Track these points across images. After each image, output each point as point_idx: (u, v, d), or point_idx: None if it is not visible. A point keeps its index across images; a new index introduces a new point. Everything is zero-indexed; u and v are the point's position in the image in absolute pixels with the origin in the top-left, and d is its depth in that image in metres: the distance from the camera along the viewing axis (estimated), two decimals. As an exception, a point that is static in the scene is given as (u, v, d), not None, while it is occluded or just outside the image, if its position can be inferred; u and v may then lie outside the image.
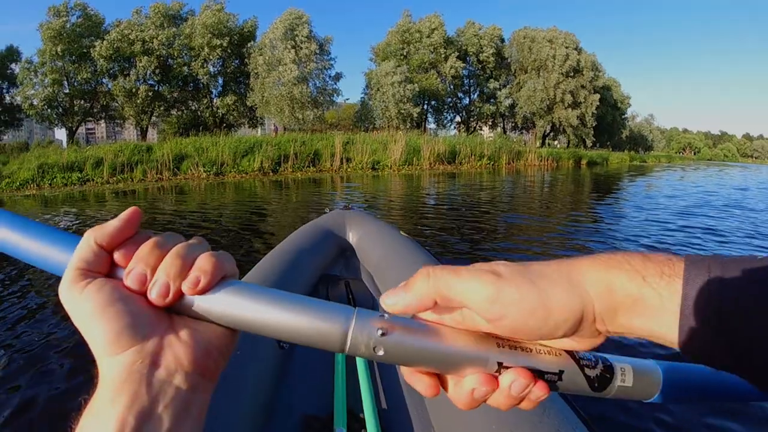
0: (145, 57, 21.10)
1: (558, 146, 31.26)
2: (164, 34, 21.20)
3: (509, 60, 29.73)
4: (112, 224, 0.29)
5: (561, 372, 0.29)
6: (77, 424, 0.24)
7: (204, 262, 0.28)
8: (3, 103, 23.75)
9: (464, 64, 28.01)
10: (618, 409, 1.74)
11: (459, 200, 8.46)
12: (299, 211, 7.27)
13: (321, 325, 0.28)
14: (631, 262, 0.26)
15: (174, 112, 24.48)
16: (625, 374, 0.30)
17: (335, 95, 23.46)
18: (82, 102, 23.32)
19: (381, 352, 0.28)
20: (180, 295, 0.28)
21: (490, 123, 31.48)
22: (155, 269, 0.28)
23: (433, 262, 1.68)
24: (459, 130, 30.31)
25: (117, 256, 0.28)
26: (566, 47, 28.01)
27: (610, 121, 33.57)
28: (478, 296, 0.26)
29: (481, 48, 28.22)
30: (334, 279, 1.83)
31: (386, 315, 0.29)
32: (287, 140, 16.62)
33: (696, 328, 0.23)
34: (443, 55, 27.01)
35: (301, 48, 21.04)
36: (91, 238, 0.28)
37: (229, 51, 22.48)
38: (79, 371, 1.88)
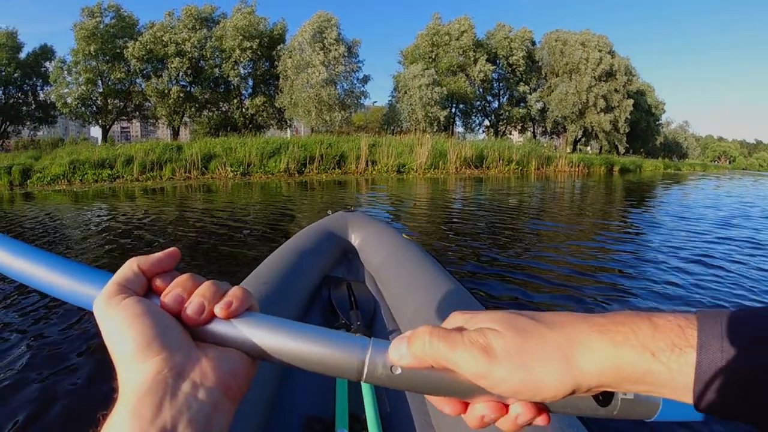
0: (177, 58, 21.53)
1: (590, 152, 30.40)
2: (196, 37, 21.60)
3: (540, 63, 29.13)
4: (155, 255, 0.32)
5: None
6: None
7: (236, 290, 0.31)
8: (37, 101, 24.66)
9: (494, 67, 27.58)
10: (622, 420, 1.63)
11: (485, 205, 8.21)
12: (322, 213, 7.14)
13: (340, 356, 0.29)
14: (638, 335, 0.25)
15: (205, 112, 24.88)
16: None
17: (363, 98, 23.44)
18: (116, 101, 23.98)
19: (396, 382, 0.29)
20: (212, 316, 0.30)
21: (519, 127, 30.90)
22: (191, 294, 0.30)
23: (435, 266, 1.66)
24: (487, 135, 29.83)
25: (155, 282, 0.31)
26: (599, 50, 27.26)
27: (644, 127, 32.51)
28: (469, 371, 0.27)
29: (512, 51, 27.75)
30: (337, 281, 1.82)
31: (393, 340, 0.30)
32: (313, 142, 16.64)
33: (712, 397, 0.23)
34: (472, 58, 26.66)
35: (330, 50, 21.10)
36: (135, 262, 0.31)
37: (259, 53, 22.75)
38: (98, 389, 1.83)
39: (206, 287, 0.31)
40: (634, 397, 0.29)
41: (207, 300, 0.30)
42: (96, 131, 25.11)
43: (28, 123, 25.04)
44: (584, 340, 0.26)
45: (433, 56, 26.99)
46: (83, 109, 22.42)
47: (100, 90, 22.93)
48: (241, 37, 21.67)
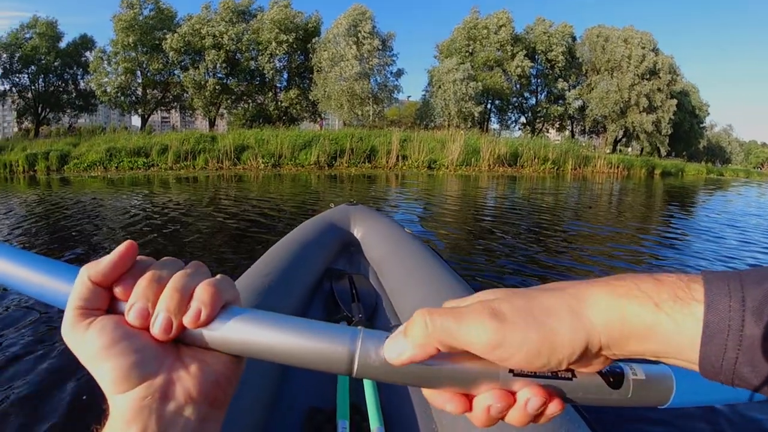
0: (214, 51, 21.86)
1: (630, 153, 29.15)
2: (234, 30, 21.84)
3: (580, 59, 28.06)
4: (106, 260, 0.28)
5: (573, 370, 0.28)
6: None
7: (203, 293, 0.28)
8: (78, 89, 25.48)
9: (532, 63, 26.75)
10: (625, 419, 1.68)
11: (518, 206, 7.88)
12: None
13: (327, 348, 0.27)
14: (641, 287, 0.25)
15: (241, 104, 25.21)
16: (635, 370, 0.29)
17: (396, 92, 23.24)
18: (155, 91, 24.57)
19: (392, 375, 0.28)
20: (183, 329, 0.28)
21: (557, 125, 29.93)
22: (155, 303, 0.27)
23: (437, 261, 1.67)
24: (524, 132, 29.02)
25: (117, 290, 0.28)
26: (642, 47, 26.05)
27: (687, 129, 30.87)
28: (481, 342, 0.25)
29: (551, 46, 26.81)
30: (339, 273, 1.81)
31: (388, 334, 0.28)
32: (344, 135, 16.55)
33: (718, 353, 0.23)
34: (510, 53, 25.96)
35: (364, 44, 20.93)
36: (86, 275, 0.28)
37: (295, 46, 22.86)
38: (87, 404, 1.76)
39: (170, 293, 0.27)
40: (645, 377, 0.29)
41: (173, 312, 0.27)
42: (137, 120, 25.84)
43: (68, 111, 25.92)
44: (589, 295, 0.26)
45: (470, 50, 26.42)
46: (122, 98, 23.05)
47: (139, 80, 23.54)
48: (277, 30, 21.82)
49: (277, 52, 22.41)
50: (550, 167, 17.82)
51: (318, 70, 22.21)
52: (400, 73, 23.13)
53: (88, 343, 0.26)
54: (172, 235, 4.66)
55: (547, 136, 27.05)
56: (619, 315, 0.25)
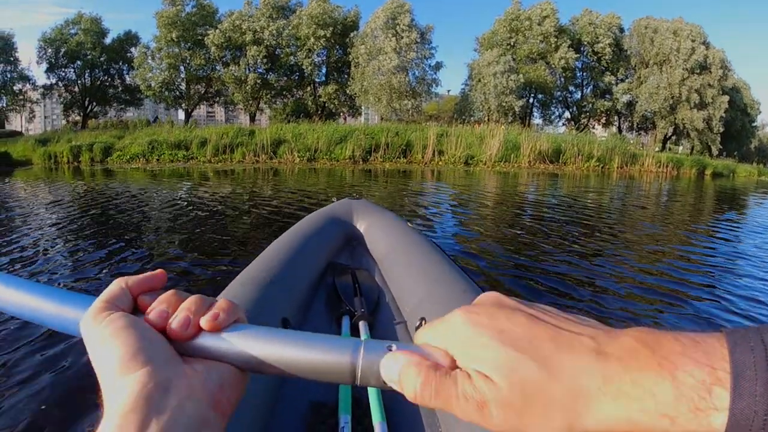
0: (255, 46, 22.10)
1: (680, 152, 27.54)
2: (274, 26, 22.01)
3: (628, 52, 26.64)
4: (143, 275, 0.32)
5: None
6: None
7: (222, 303, 0.31)
8: (124, 84, 26.38)
9: (577, 55, 25.60)
10: None
11: (558, 205, 7.41)
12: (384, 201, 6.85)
13: (330, 360, 0.28)
14: (657, 398, 0.21)
15: (280, 99, 25.45)
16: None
17: (434, 85, 22.80)
18: (198, 86, 25.12)
19: (389, 387, 0.28)
20: (198, 330, 0.29)
21: (603, 121, 28.60)
22: (176, 309, 0.30)
23: (440, 255, 1.67)
24: (568, 128, 27.87)
25: (141, 300, 0.31)
26: (692, 40, 24.42)
27: (738, 127, 28.69)
28: (462, 418, 0.25)
29: (597, 38, 25.56)
30: (341, 268, 1.81)
31: (393, 346, 0.28)
32: (380, 130, 16.35)
33: None
34: (554, 45, 24.95)
35: (402, 37, 20.62)
36: (123, 281, 0.31)
37: (333, 41, 22.80)
38: (84, 406, 1.72)
39: (191, 301, 0.30)
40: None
41: (192, 313, 0.29)
42: (183, 114, 26.62)
43: (114, 104, 26.90)
44: (591, 396, 0.23)
45: (512, 43, 25.58)
46: (166, 93, 23.70)
47: (183, 75, 24.13)
48: (315, 26, 21.80)
49: (315, 47, 22.42)
50: (595, 165, 16.96)
51: (356, 65, 22.07)
52: (438, 66, 22.66)
53: (104, 327, 0.28)
54: (211, 224, 4.84)
55: (593, 132, 25.87)
56: (624, 426, 0.22)
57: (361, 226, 2.15)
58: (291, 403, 1.07)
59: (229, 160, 14.68)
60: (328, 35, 22.05)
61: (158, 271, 0.32)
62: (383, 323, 1.48)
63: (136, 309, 0.31)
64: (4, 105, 24.77)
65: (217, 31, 21.85)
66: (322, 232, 1.96)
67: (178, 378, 0.26)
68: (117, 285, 0.31)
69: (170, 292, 0.31)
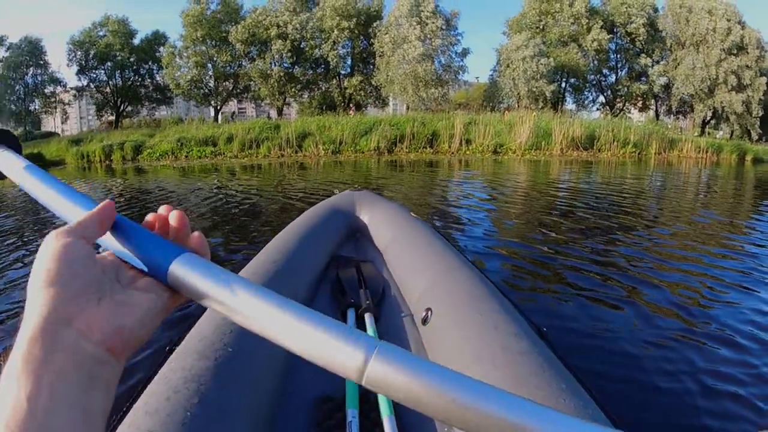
0: (279, 41, 22.07)
1: (719, 137, 26.08)
2: (297, 20, 21.92)
3: (663, 33, 25.32)
4: (88, 215, 0.33)
5: None
6: None
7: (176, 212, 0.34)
8: (154, 83, 26.85)
9: (610, 36, 24.46)
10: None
11: (591, 196, 6.98)
12: (412, 194, 6.66)
13: (339, 347, 0.27)
14: None
15: (307, 93, 25.40)
16: None
17: (461, 72, 22.26)
18: (226, 83, 25.31)
19: (395, 398, 0.27)
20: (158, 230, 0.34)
21: (639, 105, 27.33)
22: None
23: (444, 245, 1.65)
24: (603, 113, 26.76)
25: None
26: (728, 20, 23.03)
27: None
28: None
29: (630, 18, 24.33)
30: (345, 260, 1.81)
31: (412, 356, 0.27)
32: (405, 120, 16.07)
33: None
34: (585, 27, 23.93)
35: (427, 24, 20.16)
36: (102, 207, 0.33)
37: (357, 32, 22.54)
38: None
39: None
40: None
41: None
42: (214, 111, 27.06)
43: (146, 103, 27.44)
44: None
45: (541, 26, 24.69)
46: (195, 91, 23.98)
47: (210, 73, 24.34)
48: (339, 17, 21.58)
49: (340, 39, 22.22)
50: (631, 151, 16.17)
51: (380, 55, 21.74)
52: (465, 53, 22.07)
53: (53, 244, 0.29)
54: (236, 215, 5.05)
55: (629, 117, 24.78)
56: None
57: (364, 217, 2.13)
58: (298, 397, 1.06)
59: (255, 155, 14.72)
60: (352, 26, 21.79)
61: (104, 203, 0.33)
62: (389, 315, 1.44)
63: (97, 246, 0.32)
64: (37, 108, 25.55)
65: (240, 26, 21.91)
66: (325, 225, 1.94)
67: (80, 316, 0.27)
68: (97, 211, 0.32)
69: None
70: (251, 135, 15.20)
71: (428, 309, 1.25)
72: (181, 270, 0.30)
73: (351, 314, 1.38)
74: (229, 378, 0.88)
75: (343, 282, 1.56)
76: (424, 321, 1.25)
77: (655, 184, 8.80)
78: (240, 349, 0.96)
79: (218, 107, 25.66)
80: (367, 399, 1.02)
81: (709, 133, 26.67)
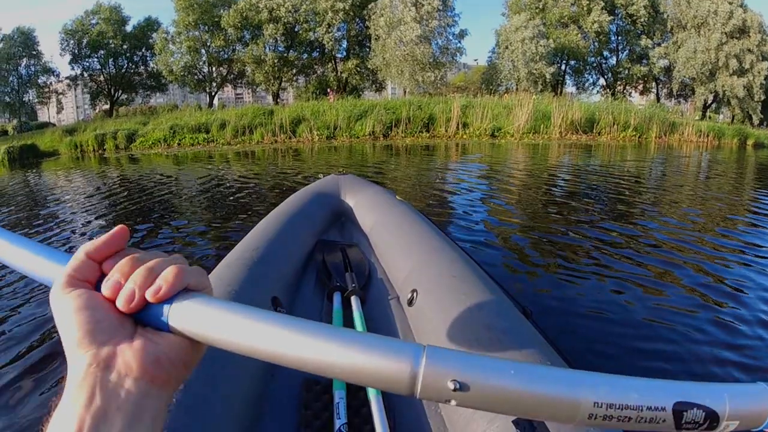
0: (272, 24, 21.57)
1: (720, 121, 25.75)
2: (290, 2, 21.41)
3: (665, 14, 24.84)
4: (101, 239, 0.32)
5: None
6: (47, 423, 0.27)
7: (167, 272, 0.31)
8: (148, 70, 26.32)
9: (611, 18, 23.94)
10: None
11: (586, 182, 6.87)
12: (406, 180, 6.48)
13: (386, 362, 0.26)
14: None
15: (303, 77, 24.90)
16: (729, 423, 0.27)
17: (459, 55, 21.77)
18: (220, 69, 24.84)
19: (454, 402, 0.26)
20: (144, 302, 0.30)
21: (640, 88, 26.90)
22: (127, 279, 0.31)
23: (429, 227, 1.66)
24: (603, 96, 26.34)
25: (105, 266, 0.32)
26: (730, 2, 22.58)
27: None
28: None
29: (631, -1, 23.91)
30: (330, 244, 1.81)
31: (461, 353, 0.27)
32: (401, 104, 15.76)
33: None
34: (586, 8, 23.43)
35: (423, 5, 19.66)
36: (83, 251, 0.32)
37: (352, 14, 22.00)
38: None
39: (142, 271, 0.31)
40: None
41: (138, 285, 0.30)
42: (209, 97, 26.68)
43: (140, 91, 26.96)
44: None
45: (541, 6, 24.16)
46: (188, 77, 23.49)
47: (204, 58, 23.85)
48: (332, -1, 21.07)
49: (334, 21, 21.70)
50: (632, 135, 15.86)
51: (376, 37, 21.25)
52: (463, 35, 21.54)
53: (64, 306, 0.30)
54: (229, 204, 5.00)
55: (630, 100, 24.39)
56: None
57: (349, 201, 2.13)
58: (286, 378, 1.06)
59: (248, 141, 14.44)
60: (347, 8, 21.22)
61: (118, 228, 0.32)
62: (375, 298, 1.44)
63: (102, 276, 0.32)
64: (31, 98, 25.12)
65: (232, 11, 21.42)
66: (310, 209, 1.94)
67: (117, 357, 0.28)
68: (78, 257, 0.31)
69: (127, 258, 0.31)
70: (244, 121, 14.90)
71: (414, 290, 1.26)
72: (180, 318, 0.29)
73: (337, 297, 1.36)
74: (214, 362, 0.88)
75: (329, 266, 1.55)
76: (410, 302, 1.26)
77: (655, 169, 8.61)
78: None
79: (213, 93, 25.25)
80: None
81: (710, 117, 26.34)
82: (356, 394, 0.99)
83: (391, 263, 1.55)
